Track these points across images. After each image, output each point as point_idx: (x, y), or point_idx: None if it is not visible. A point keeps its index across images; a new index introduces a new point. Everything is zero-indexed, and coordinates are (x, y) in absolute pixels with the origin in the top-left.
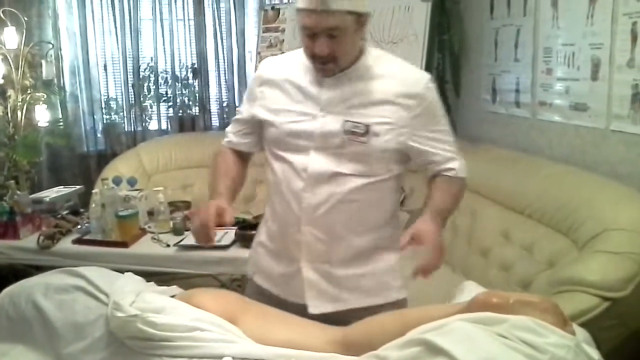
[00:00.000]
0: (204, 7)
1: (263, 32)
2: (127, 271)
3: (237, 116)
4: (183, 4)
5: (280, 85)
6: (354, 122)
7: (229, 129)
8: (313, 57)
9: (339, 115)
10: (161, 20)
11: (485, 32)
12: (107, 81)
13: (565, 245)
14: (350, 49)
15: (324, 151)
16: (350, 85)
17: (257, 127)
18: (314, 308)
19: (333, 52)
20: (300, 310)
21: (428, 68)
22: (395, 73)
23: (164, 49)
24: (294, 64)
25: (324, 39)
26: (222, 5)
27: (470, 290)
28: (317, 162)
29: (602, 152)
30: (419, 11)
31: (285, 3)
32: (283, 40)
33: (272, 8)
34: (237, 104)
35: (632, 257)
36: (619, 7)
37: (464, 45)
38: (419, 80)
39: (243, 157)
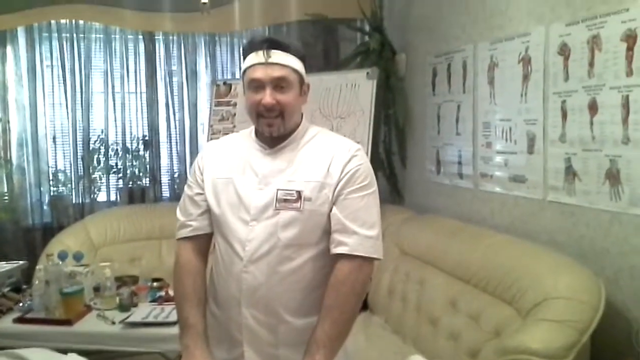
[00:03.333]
0: (156, 81)
1: (215, 105)
2: (71, 351)
3: (190, 199)
4: (135, 78)
5: (222, 160)
6: (286, 190)
7: (183, 218)
8: (259, 114)
9: (273, 186)
10: (113, 93)
11: (428, 107)
12: (55, 153)
13: (510, 314)
14: (294, 108)
15: (262, 222)
16: (288, 155)
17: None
18: None
19: (280, 103)
20: None
21: (375, 141)
22: (328, 144)
23: (115, 121)
24: (236, 141)
25: (270, 90)
26: (174, 79)
27: None
28: (255, 235)
29: (541, 222)
30: (365, 88)
31: (237, 79)
32: (235, 114)
33: (224, 83)
34: (188, 175)
35: (572, 324)
36: (549, 87)
37: (409, 120)
38: (349, 149)
39: (206, 248)
